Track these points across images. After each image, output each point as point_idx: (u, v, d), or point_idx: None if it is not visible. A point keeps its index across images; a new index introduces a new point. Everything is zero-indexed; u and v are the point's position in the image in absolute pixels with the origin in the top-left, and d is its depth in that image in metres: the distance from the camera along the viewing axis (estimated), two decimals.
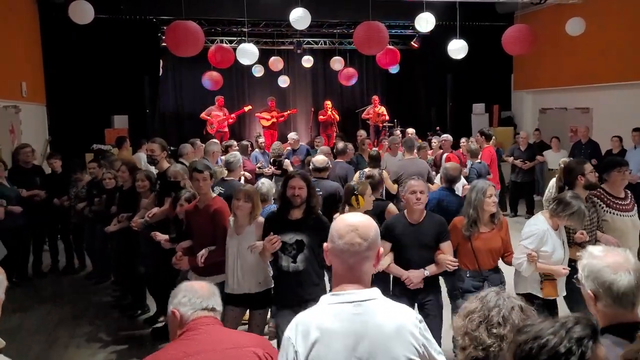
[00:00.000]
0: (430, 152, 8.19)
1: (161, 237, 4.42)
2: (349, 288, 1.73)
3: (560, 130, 10.77)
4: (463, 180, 6.61)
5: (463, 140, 8.99)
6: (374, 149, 7.92)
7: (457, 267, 3.73)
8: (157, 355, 1.91)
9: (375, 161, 6.78)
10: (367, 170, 5.54)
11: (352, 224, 1.76)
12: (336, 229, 1.78)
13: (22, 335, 5.08)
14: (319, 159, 5.66)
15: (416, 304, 3.79)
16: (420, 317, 1.79)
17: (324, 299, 1.77)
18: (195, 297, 2.01)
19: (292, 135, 9.46)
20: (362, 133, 9.85)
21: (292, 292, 3.52)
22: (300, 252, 3.54)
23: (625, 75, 9.44)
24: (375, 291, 1.76)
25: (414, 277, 3.69)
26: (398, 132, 10.63)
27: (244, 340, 1.97)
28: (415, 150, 7.05)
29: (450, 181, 4.93)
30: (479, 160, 7.29)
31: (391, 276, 4.06)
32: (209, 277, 3.97)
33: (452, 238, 3.87)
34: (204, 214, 4.08)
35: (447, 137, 8.64)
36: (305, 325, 1.71)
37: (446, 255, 3.73)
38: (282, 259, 3.57)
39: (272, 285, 3.88)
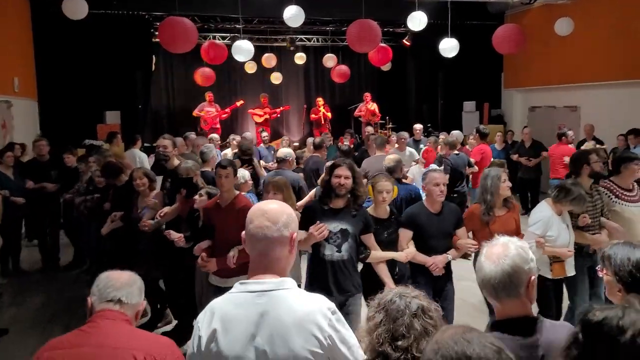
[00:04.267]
0: (438, 148, 8.21)
1: (175, 235, 4.27)
2: (260, 277, 1.72)
3: (550, 128, 10.92)
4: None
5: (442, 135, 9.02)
6: (345, 143, 7.99)
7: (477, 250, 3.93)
8: (54, 339, 1.95)
9: (345, 155, 6.87)
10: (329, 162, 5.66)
11: (263, 209, 1.77)
12: (249, 214, 1.78)
13: (16, 328, 5.11)
14: (281, 151, 6.19)
15: (436, 290, 3.88)
16: (334, 308, 1.72)
17: (235, 285, 1.77)
18: (105, 286, 2.00)
19: (245, 135, 8.70)
20: (369, 129, 9.90)
21: (335, 281, 3.48)
22: (345, 241, 3.50)
23: (612, 74, 9.61)
24: (286, 281, 1.73)
25: (440, 261, 3.83)
26: (370, 129, 10.68)
27: (132, 342, 1.91)
28: (385, 148, 7.15)
29: (389, 172, 5.17)
30: (456, 152, 7.33)
31: (405, 266, 4.14)
32: (233, 278, 3.75)
33: (469, 225, 4.06)
34: (229, 212, 3.90)
35: (453, 134, 8.20)
36: (212, 311, 1.72)
37: (466, 240, 3.92)
38: (325, 247, 3.49)
39: (301, 282, 3.84)
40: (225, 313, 1.70)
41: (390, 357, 1.63)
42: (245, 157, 6.65)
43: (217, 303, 1.76)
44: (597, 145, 7.77)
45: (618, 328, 1.27)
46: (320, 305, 1.70)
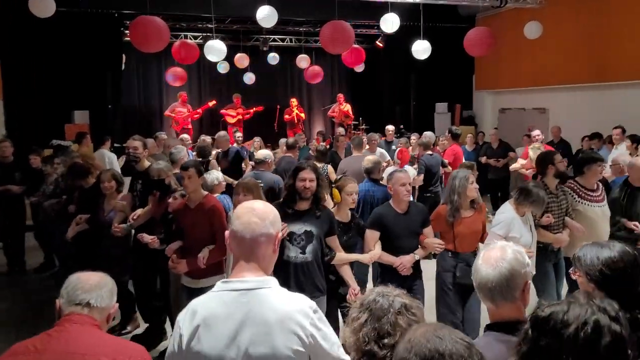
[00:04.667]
0: (410, 148, 8.25)
1: (148, 238, 4.18)
2: (244, 275, 1.73)
3: (520, 129, 11.14)
4: (414, 172, 6.88)
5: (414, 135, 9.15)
6: (321, 143, 8.00)
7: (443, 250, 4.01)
8: (17, 344, 1.89)
9: (322, 155, 6.88)
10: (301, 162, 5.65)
11: (250, 206, 1.81)
12: (235, 212, 1.82)
13: None
14: (260, 153, 6.14)
15: (405, 289, 3.89)
16: (315, 307, 1.74)
17: (217, 284, 1.77)
18: (74, 289, 1.94)
19: (220, 135, 7.83)
20: (340, 130, 9.93)
21: (297, 282, 3.42)
22: (309, 243, 3.48)
23: (579, 77, 9.88)
24: (269, 280, 1.75)
25: (407, 261, 3.86)
26: (341, 130, 10.71)
27: (100, 348, 1.85)
28: (363, 148, 7.18)
29: (367, 173, 5.24)
30: (429, 153, 7.40)
31: (369, 267, 4.09)
32: (205, 279, 3.82)
33: (436, 226, 4.10)
34: (198, 213, 3.90)
35: (425, 135, 8.15)
36: (194, 310, 1.73)
37: (433, 239, 3.97)
38: (289, 249, 3.46)
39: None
40: (207, 311, 1.70)
41: (376, 356, 1.63)
42: (203, 160, 6.44)
43: (199, 301, 1.75)
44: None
45: (562, 322, 1.30)
46: (302, 304, 1.72)
